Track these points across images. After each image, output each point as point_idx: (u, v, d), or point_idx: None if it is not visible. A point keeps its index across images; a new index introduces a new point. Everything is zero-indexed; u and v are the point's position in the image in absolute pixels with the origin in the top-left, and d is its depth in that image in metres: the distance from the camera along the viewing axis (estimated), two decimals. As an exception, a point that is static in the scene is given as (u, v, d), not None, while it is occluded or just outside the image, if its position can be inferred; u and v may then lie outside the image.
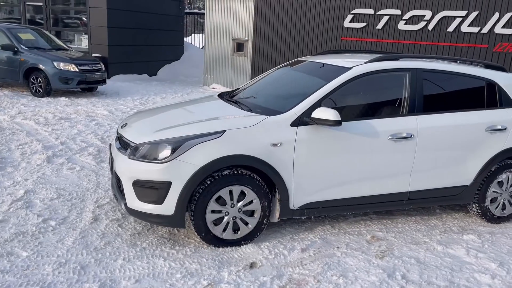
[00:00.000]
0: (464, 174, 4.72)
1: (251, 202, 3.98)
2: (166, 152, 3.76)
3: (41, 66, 10.73)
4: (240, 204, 3.95)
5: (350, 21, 10.09)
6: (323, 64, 4.80)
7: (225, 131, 3.86)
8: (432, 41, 9.51)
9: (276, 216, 4.15)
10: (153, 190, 3.77)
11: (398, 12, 9.64)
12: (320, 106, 4.10)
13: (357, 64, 4.44)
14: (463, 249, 4.28)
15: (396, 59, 4.62)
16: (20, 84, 11.28)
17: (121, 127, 4.43)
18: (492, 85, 4.83)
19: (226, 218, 3.95)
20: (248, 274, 3.62)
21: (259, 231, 4.10)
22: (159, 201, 3.76)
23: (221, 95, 5.12)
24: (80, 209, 4.60)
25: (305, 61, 5.22)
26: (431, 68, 4.63)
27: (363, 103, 4.58)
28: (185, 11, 19.13)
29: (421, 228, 4.75)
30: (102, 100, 10.96)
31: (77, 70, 10.91)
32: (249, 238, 4.07)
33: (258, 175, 4.00)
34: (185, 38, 18.80)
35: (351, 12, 10.05)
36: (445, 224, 4.89)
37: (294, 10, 10.58)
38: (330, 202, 4.28)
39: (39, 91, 10.85)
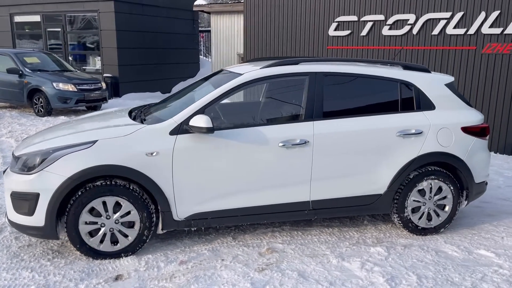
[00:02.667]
0: (376, 182, 4.43)
1: (128, 213, 3.93)
2: (35, 163, 3.80)
3: (42, 87, 11.23)
4: (116, 215, 3.92)
5: (335, 29, 9.86)
6: (229, 72, 4.71)
7: (96, 141, 3.85)
8: (418, 45, 9.09)
9: (160, 227, 4.07)
10: (24, 202, 3.82)
11: (381, 17, 9.31)
12: (203, 113, 4.01)
13: (250, 70, 4.32)
14: (360, 262, 4.00)
15: (296, 63, 4.45)
16: (25, 105, 11.87)
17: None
18: (408, 87, 4.54)
19: (102, 229, 3.92)
20: (108, 287, 3.56)
21: (141, 243, 4.03)
22: (30, 212, 3.80)
23: (137, 108, 5.12)
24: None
25: (222, 70, 5.14)
26: (333, 71, 4.42)
27: (255, 110, 4.44)
28: (200, 29, 19.44)
29: (331, 239, 4.50)
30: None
31: (76, 90, 11.34)
32: (130, 250, 4.01)
33: (138, 185, 3.95)
34: (203, 56, 19.09)
35: (336, 20, 9.81)
36: (362, 236, 4.61)
37: (280, 22, 10.49)
38: (220, 213, 4.15)
39: (41, 111, 11.36)
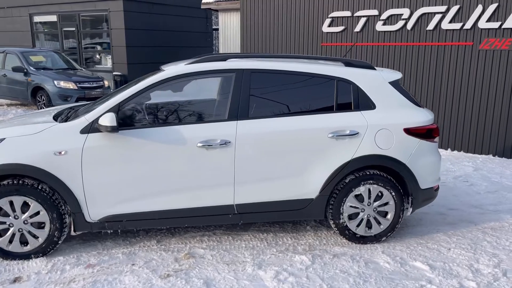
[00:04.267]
0: (307, 186, 4.16)
1: (37, 213, 3.84)
2: None
3: (44, 85, 11.44)
4: (25, 215, 3.84)
5: (329, 26, 9.50)
6: (160, 69, 4.54)
7: (3, 139, 3.78)
8: (412, 41, 8.62)
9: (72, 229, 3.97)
10: None
11: (375, 12, 8.89)
12: (118, 111, 3.87)
13: (172, 66, 4.15)
14: (275, 271, 3.76)
15: (224, 59, 4.24)
16: (30, 103, 12.13)
17: None
18: (346, 85, 4.24)
19: (11, 229, 3.85)
20: (1, 289, 3.48)
21: (52, 245, 3.93)
22: None
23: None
24: None
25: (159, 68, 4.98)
26: (261, 68, 4.18)
27: (174, 108, 4.26)
28: (216, 27, 19.35)
29: (260, 246, 4.27)
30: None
31: (76, 88, 11.47)
32: (40, 251, 3.92)
33: (48, 185, 3.85)
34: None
35: (329, 16, 9.46)
36: (295, 242, 4.35)
37: (275, 19, 10.21)
38: (135, 216, 4.00)
39: (44, 108, 11.56)
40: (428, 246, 4.30)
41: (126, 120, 3.97)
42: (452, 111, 8.30)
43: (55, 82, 11.38)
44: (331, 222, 4.30)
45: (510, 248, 4.28)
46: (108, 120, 3.69)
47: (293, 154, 4.09)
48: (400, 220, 4.35)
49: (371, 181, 4.21)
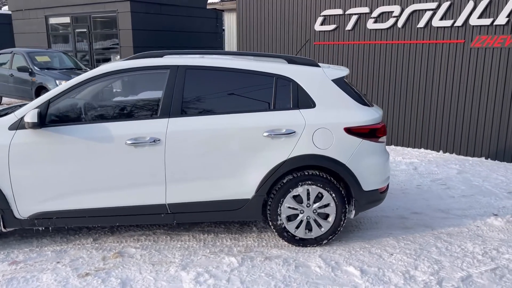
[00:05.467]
0: (242, 186, 4.05)
1: (-33, 209, 3.87)
2: None
3: (46, 84, 11.67)
4: (-45, 211, 3.86)
5: (321, 24, 9.30)
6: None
7: None
8: (403, 39, 8.33)
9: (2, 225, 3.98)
10: None
11: (366, 10, 8.64)
12: (47, 107, 3.88)
13: (108, 63, 4.11)
14: (196, 273, 3.66)
15: (161, 56, 4.18)
16: (34, 102, 12.38)
17: None
18: (285, 83, 4.10)
19: None
20: None
21: (-17, 240, 3.95)
22: None
23: None
24: None
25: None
26: (197, 65, 4.09)
27: (107, 105, 4.21)
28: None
29: (195, 246, 4.18)
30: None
31: (77, 87, 11.61)
32: (-29, 246, 3.94)
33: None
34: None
35: (321, 14, 9.26)
36: (234, 243, 4.24)
37: (270, 19, 10.08)
38: (65, 213, 3.98)
39: (46, 108, 11.79)
40: (371, 251, 4.11)
41: (56, 117, 3.95)
42: (443, 111, 7.99)
43: (57, 81, 11.58)
44: (270, 223, 4.17)
45: (457, 255, 4.04)
46: (30, 116, 3.69)
47: (227, 153, 3.98)
48: (342, 223, 4.17)
49: (310, 182, 4.06)
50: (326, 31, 9.33)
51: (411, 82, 8.25)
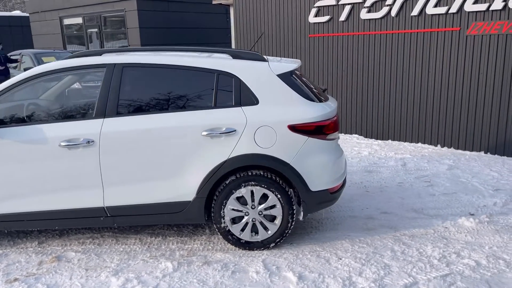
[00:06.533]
0: (182, 188, 3.89)
1: None
2: None
3: (50, 85, 11.82)
4: None
5: (315, 16, 9.00)
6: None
7: None
8: (397, 29, 7.94)
9: None
10: None
11: (359, -1, 8.32)
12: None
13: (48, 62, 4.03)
14: (124, 279, 3.54)
15: (100, 54, 4.06)
16: (41, 102, 12.59)
17: None
18: (228, 79, 3.91)
19: None
20: None
21: None
22: None
23: None
24: None
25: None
26: (134, 62, 3.96)
27: (42, 106, 4.12)
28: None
29: (138, 250, 4.06)
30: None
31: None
32: None
33: None
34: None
35: (315, 5, 8.95)
36: (179, 247, 4.11)
37: (267, 14, 9.84)
38: (3, 217, 3.93)
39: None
40: (320, 255, 3.88)
41: (-11, 120, 3.89)
42: (440, 103, 7.60)
43: (61, 82, 11.69)
44: (215, 226, 4.00)
45: (411, 259, 3.77)
46: None
47: (165, 154, 3.83)
48: (289, 225, 3.96)
49: (253, 183, 3.87)
50: (320, 22, 9.03)
51: (406, 73, 7.88)
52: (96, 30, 16.55)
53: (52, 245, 4.17)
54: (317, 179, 3.90)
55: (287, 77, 3.94)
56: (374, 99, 8.36)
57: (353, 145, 7.84)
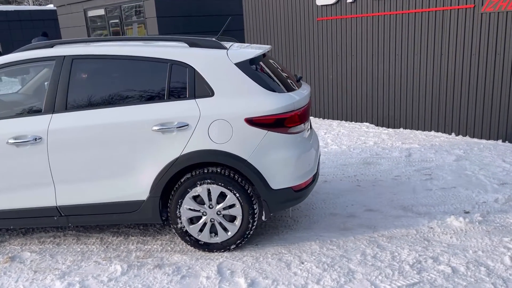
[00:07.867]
0: (134, 187, 3.67)
1: None
2: None
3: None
4: None
5: (323, -2, 8.55)
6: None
7: None
8: (408, 8, 7.37)
9: None
10: None
11: (368, -22, 7.79)
12: None
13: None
14: (68, 282, 3.36)
15: (51, 46, 3.87)
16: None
17: None
18: (182, 69, 3.64)
19: None
20: None
21: None
22: None
23: None
24: None
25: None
26: (83, 54, 3.74)
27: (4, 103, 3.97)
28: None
29: (94, 251, 3.88)
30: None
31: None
32: None
33: None
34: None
35: (323, -13, 8.51)
36: (137, 248, 3.91)
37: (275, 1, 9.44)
38: (-43, 216, 3.83)
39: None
40: (282, 258, 3.58)
41: None
42: (454, 88, 7.04)
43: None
44: (172, 226, 3.76)
45: (381, 265, 3.40)
46: None
47: (114, 151, 3.61)
48: (251, 226, 3.67)
49: (209, 181, 3.59)
50: (328, 5, 8.56)
51: (418, 55, 7.34)
52: (117, 21, 16.56)
53: (12, 244, 4.05)
54: (278, 176, 3.58)
55: (246, 66, 3.62)
56: (385, 85, 7.86)
57: (360, 134, 7.40)
